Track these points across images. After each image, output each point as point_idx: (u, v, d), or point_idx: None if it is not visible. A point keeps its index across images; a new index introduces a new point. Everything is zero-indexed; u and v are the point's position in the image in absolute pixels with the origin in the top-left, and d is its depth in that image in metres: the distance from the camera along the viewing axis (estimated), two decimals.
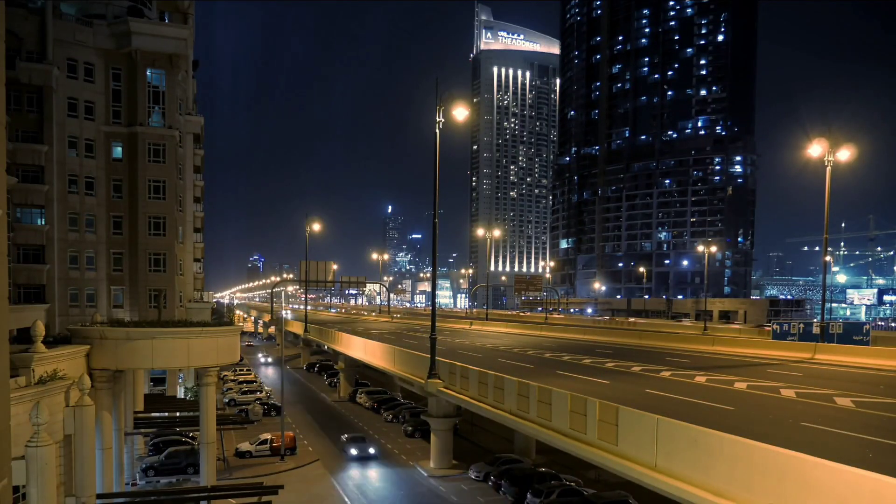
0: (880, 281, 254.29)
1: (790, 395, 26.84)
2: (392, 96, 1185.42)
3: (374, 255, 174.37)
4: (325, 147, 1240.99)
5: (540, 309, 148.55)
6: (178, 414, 45.09)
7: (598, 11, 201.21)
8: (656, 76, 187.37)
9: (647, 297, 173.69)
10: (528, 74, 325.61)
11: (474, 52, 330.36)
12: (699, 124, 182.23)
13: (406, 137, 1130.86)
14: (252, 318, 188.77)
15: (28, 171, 42.25)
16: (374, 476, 40.47)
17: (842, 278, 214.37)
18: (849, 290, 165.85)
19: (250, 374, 78.51)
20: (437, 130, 34.12)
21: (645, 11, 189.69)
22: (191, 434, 41.86)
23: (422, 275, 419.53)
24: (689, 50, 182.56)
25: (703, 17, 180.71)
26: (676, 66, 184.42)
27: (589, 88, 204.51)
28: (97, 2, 47.14)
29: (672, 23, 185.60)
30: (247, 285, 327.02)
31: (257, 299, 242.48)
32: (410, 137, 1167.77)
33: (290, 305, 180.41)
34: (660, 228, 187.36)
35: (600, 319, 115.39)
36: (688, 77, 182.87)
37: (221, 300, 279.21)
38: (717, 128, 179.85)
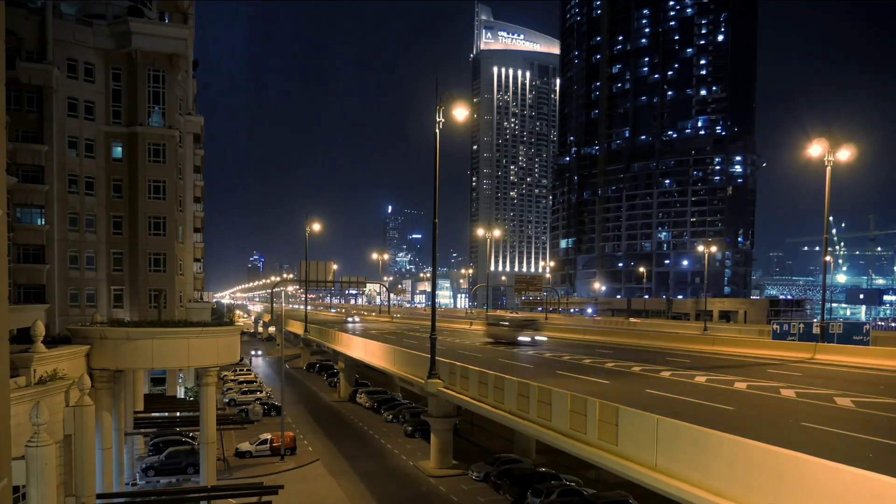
0: (880, 281, 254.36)
1: (790, 395, 26.83)
2: (392, 96, 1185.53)
3: (374, 255, 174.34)
4: (325, 147, 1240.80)
5: (540, 309, 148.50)
6: (178, 414, 45.11)
7: (598, 11, 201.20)
8: (656, 76, 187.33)
9: (647, 297, 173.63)
10: (528, 74, 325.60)
11: (474, 52, 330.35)
12: (699, 124, 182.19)
13: (406, 137, 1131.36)
14: (252, 317, 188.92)
15: (28, 171, 42.26)
16: (374, 476, 40.45)
17: (842, 278, 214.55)
18: (847, 292, 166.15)
19: (250, 374, 78.54)
20: (438, 130, 34.12)
21: (645, 11, 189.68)
22: (191, 434, 41.88)
23: (422, 275, 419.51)
24: (689, 50, 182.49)
25: (703, 17, 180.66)
26: (676, 66, 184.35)
27: (589, 88, 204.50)
28: (97, 2, 47.16)
29: (672, 23, 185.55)
30: (247, 285, 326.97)
31: (257, 299, 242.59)
32: (410, 137, 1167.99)
33: (291, 306, 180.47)
34: (660, 228, 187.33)
35: (600, 319, 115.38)
36: (688, 77, 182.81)
37: (221, 300, 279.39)
38: (717, 128, 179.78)
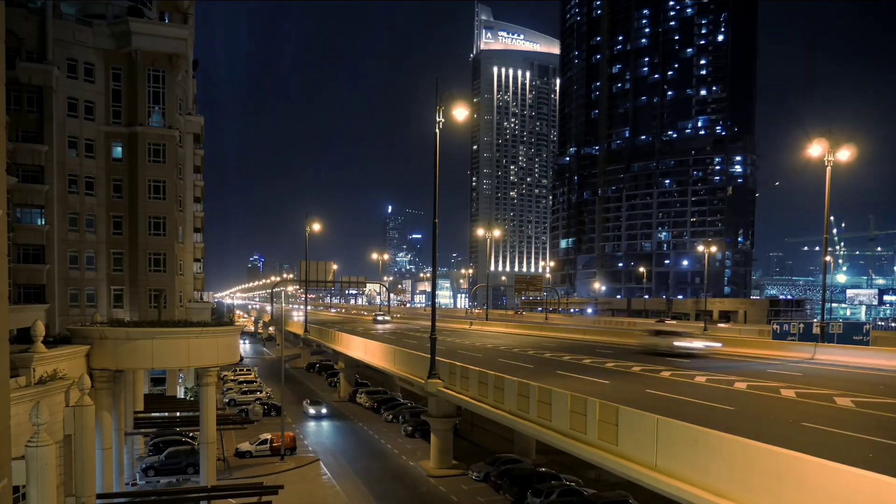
0: (880, 281, 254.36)
1: (790, 395, 26.83)
2: (392, 96, 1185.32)
3: (374, 255, 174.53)
4: (325, 147, 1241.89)
5: (540, 309, 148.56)
6: (178, 414, 45.13)
7: (598, 11, 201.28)
8: (656, 76, 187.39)
9: (647, 297, 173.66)
10: (528, 74, 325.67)
11: (474, 52, 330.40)
12: (699, 124, 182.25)
13: (406, 137, 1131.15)
14: (252, 317, 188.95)
15: (28, 171, 42.27)
16: (374, 475, 40.47)
17: (842, 278, 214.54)
18: (848, 291, 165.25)
19: (250, 374, 78.52)
20: (438, 130, 34.12)
21: (645, 11, 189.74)
22: (191, 434, 41.88)
23: (422, 275, 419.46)
24: (689, 50, 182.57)
25: (703, 17, 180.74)
26: (676, 66, 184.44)
27: (589, 88, 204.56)
28: (97, 2, 47.17)
29: (672, 23, 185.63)
30: (247, 285, 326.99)
31: (257, 299, 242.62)
32: (411, 137, 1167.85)
33: (291, 306, 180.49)
34: (660, 228, 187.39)
35: (601, 319, 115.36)
36: (688, 77, 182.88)
37: (221, 300, 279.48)
38: (717, 128, 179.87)
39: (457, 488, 37.53)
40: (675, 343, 38.16)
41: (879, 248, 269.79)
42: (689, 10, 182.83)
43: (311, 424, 56.31)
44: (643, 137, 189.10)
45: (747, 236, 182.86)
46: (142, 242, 46.60)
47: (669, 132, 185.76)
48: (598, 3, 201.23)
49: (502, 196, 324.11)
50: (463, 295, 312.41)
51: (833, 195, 41.68)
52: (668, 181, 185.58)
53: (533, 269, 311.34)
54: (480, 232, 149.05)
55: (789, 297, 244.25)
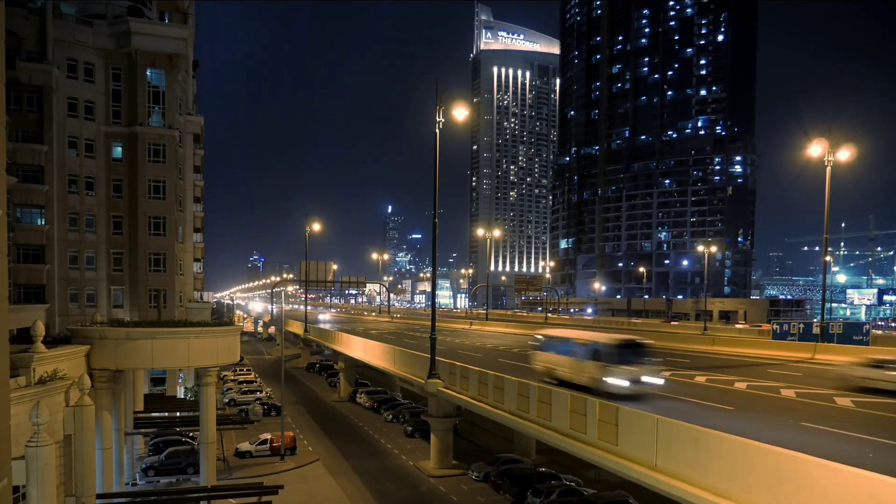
0: (880, 281, 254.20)
1: (790, 395, 26.85)
2: (392, 96, 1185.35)
3: (374, 255, 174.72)
4: (324, 147, 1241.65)
5: (540, 309, 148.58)
6: (178, 414, 45.11)
7: (598, 11, 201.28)
8: (656, 76, 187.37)
9: (647, 297, 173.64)
10: (528, 74, 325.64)
11: (474, 52, 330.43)
12: (699, 124, 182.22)
13: (406, 137, 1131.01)
14: (252, 317, 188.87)
15: (28, 171, 42.23)
16: (375, 475, 40.46)
17: (842, 278, 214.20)
18: (849, 291, 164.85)
19: (250, 374, 78.50)
20: (437, 130, 34.12)
21: (645, 11, 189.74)
22: (191, 434, 41.88)
23: (422, 275, 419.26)
24: (689, 50, 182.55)
25: (703, 17, 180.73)
26: (676, 66, 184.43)
27: (589, 88, 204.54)
28: (97, 2, 47.13)
29: (672, 23, 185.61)
30: (247, 285, 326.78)
31: (257, 299, 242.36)
32: (410, 137, 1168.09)
33: (290, 305, 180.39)
34: (660, 228, 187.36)
35: (600, 319, 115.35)
36: (688, 77, 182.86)
37: (222, 300, 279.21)
38: (717, 128, 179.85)
39: (457, 488, 37.53)
40: None
41: (879, 248, 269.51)
42: (689, 10, 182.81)
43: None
44: (643, 137, 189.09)
45: (747, 236, 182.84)
46: (142, 242, 46.58)
47: (669, 132, 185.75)
48: (598, 3, 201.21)
49: (502, 196, 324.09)
50: (463, 295, 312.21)
51: (833, 195, 41.71)
52: (668, 181, 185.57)
53: (533, 269, 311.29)
54: (480, 232, 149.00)
55: (789, 297, 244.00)
